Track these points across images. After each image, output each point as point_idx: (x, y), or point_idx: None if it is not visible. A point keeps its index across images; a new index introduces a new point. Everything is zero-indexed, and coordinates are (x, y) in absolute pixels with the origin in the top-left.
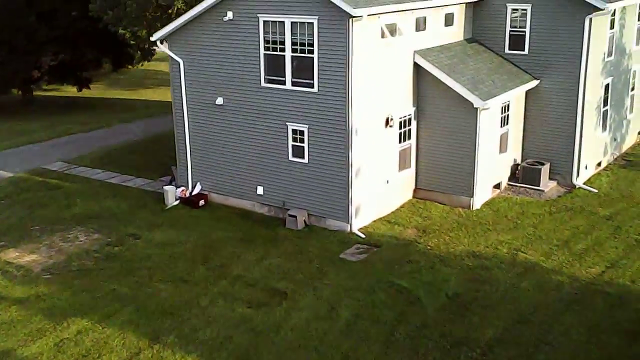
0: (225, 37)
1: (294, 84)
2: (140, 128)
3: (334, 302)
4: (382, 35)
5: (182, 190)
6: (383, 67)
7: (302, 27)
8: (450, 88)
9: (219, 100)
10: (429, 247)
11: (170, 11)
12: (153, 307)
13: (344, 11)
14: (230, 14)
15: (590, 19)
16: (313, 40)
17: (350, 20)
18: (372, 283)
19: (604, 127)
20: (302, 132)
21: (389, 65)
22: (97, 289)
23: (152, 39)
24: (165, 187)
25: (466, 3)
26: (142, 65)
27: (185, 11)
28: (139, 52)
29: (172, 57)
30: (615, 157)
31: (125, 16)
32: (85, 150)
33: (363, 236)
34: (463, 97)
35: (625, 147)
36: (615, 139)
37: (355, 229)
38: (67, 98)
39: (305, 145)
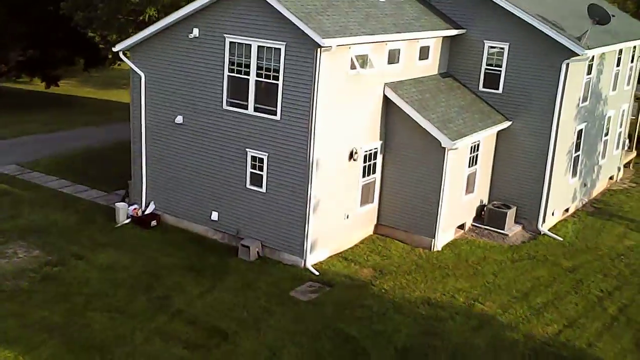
0: (189, 55)
1: (256, 109)
2: (105, 133)
3: (276, 348)
4: (352, 67)
5: (135, 209)
6: (351, 99)
7: (268, 52)
8: (419, 125)
9: (179, 119)
10: (383, 291)
11: (141, 18)
12: (82, 341)
13: (313, 40)
14: (196, 31)
15: (568, 64)
16: (279, 66)
17: (319, 49)
18: (319, 328)
19: (574, 173)
20: (261, 160)
21: (357, 97)
22: (27, 315)
23: (115, 49)
24: (117, 204)
25: (443, 37)
26: (118, 65)
27: (157, 19)
28: (110, 54)
29: (133, 70)
30: (584, 203)
31: (96, 18)
32: (43, 153)
33: (317, 273)
34: (432, 135)
35: (595, 192)
36: (585, 184)
37: (309, 265)
38: (36, 93)
39: (264, 173)
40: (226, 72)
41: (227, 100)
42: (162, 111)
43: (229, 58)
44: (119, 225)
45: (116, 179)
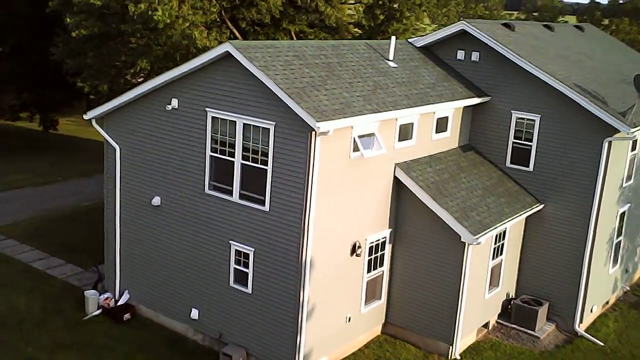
0: (168, 128)
1: (242, 196)
2: (97, 186)
3: None
4: (355, 149)
5: (106, 299)
6: (353, 185)
7: (256, 131)
8: (436, 214)
9: (156, 200)
10: None
11: (132, 70)
12: None
13: (306, 122)
14: (174, 102)
15: (610, 142)
16: (268, 149)
17: (314, 133)
18: None
19: (615, 261)
20: (246, 256)
21: (361, 182)
22: None
23: (85, 117)
24: (87, 292)
25: (464, 107)
26: None
27: (150, 71)
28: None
29: (107, 142)
30: (625, 291)
31: (87, 67)
32: (25, 213)
33: None
34: (450, 227)
35: (637, 276)
36: (626, 270)
37: None
38: (36, 133)
39: (250, 271)
40: (208, 152)
41: (209, 184)
42: (138, 190)
43: (212, 135)
44: (88, 316)
45: (98, 247)
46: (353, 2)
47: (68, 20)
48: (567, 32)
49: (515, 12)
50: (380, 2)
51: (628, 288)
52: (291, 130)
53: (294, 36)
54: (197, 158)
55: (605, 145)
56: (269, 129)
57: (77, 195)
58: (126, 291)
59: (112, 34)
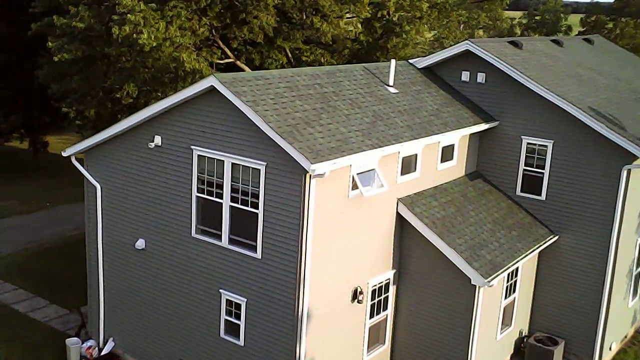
0: (151, 167)
1: (232, 241)
2: None
3: None
4: (354, 187)
5: (89, 348)
6: (353, 226)
7: (245, 172)
8: (443, 254)
9: (140, 243)
10: None
11: (119, 95)
12: None
13: (300, 164)
14: (158, 139)
15: (629, 170)
16: (259, 191)
17: (308, 175)
18: None
19: (635, 293)
20: (238, 306)
21: (361, 222)
22: None
23: (64, 154)
24: (68, 341)
25: (471, 133)
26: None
27: (136, 97)
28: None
29: (87, 180)
30: None
31: (72, 91)
32: (8, 246)
33: None
34: (459, 268)
35: None
36: None
37: None
38: (24, 154)
39: (242, 322)
40: (194, 192)
41: (196, 227)
42: (120, 231)
43: (198, 175)
44: None
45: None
46: (350, 16)
47: (50, 44)
48: (576, 47)
49: (517, 17)
50: (379, 15)
51: None
52: (284, 171)
53: (289, 53)
54: (182, 199)
55: (624, 173)
56: (259, 170)
57: (64, 223)
58: (111, 339)
59: (96, 57)
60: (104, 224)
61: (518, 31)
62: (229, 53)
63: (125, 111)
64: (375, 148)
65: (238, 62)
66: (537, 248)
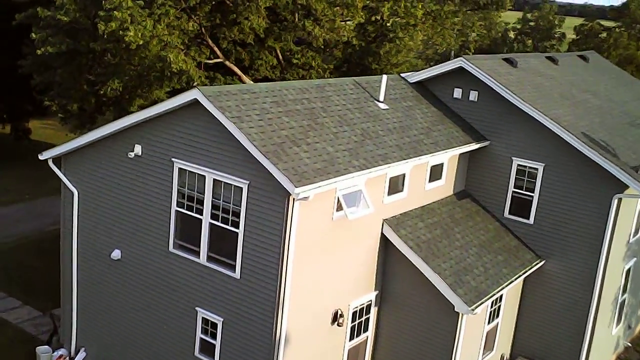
0: (130, 177)
1: (210, 259)
2: None
3: None
4: (339, 208)
5: (60, 357)
6: (336, 248)
7: (227, 188)
8: (427, 278)
9: (116, 254)
10: None
11: (102, 91)
12: None
13: (283, 187)
14: (138, 149)
15: (620, 199)
16: (240, 210)
17: (292, 197)
18: None
19: (619, 321)
20: (214, 325)
21: (345, 244)
22: None
23: (41, 157)
24: (39, 349)
25: (460, 153)
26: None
27: (121, 94)
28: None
29: (64, 184)
30: (626, 346)
31: (56, 84)
32: None
33: None
34: (443, 294)
35: (638, 330)
36: (629, 327)
37: None
38: (4, 139)
39: (218, 342)
40: (174, 206)
41: (174, 242)
42: (96, 239)
43: (178, 189)
44: None
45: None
46: (342, 19)
47: (34, 35)
48: (571, 64)
49: (512, 22)
50: (373, 19)
51: (629, 344)
52: (267, 191)
53: (279, 54)
54: (161, 212)
55: (615, 202)
56: (241, 188)
57: (44, 217)
58: (82, 349)
59: (82, 51)
60: (79, 231)
61: (512, 35)
62: (218, 52)
63: (109, 105)
64: (363, 169)
65: (227, 62)
66: (523, 274)
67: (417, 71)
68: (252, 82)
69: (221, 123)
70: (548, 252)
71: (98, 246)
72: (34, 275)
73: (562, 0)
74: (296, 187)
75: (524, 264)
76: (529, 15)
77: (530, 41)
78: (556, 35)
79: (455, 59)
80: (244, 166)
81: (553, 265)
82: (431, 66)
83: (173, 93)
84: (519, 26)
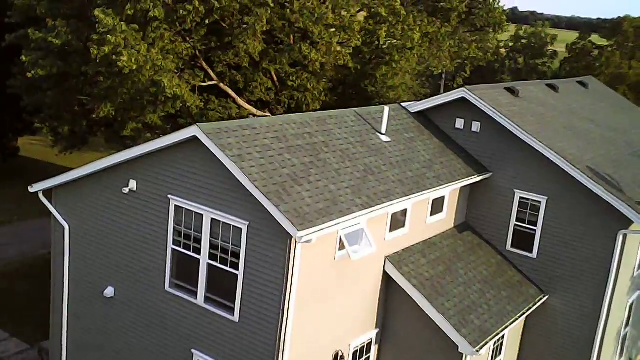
0: (124, 213)
1: (207, 300)
2: None
3: None
4: (341, 248)
5: None
6: (338, 288)
7: (226, 228)
8: (431, 318)
9: (109, 291)
10: None
11: (94, 115)
12: None
13: (285, 229)
14: (133, 184)
15: (625, 235)
16: (239, 251)
17: (294, 239)
18: None
19: (621, 354)
20: None
21: (347, 283)
22: None
23: (31, 190)
24: None
25: (462, 186)
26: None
27: (114, 117)
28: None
29: (55, 218)
30: None
31: (46, 107)
32: None
33: None
34: (446, 334)
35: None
36: (630, 359)
37: None
38: None
39: None
40: (170, 244)
41: (170, 281)
42: (88, 275)
43: (175, 227)
44: None
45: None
46: (340, 41)
47: (24, 58)
48: (571, 92)
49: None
50: (369, 41)
51: None
52: (268, 233)
53: (274, 76)
54: (157, 250)
55: (620, 237)
56: (241, 229)
57: (33, 241)
58: None
59: (73, 74)
60: (70, 266)
61: (503, 52)
62: (212, 75)
63: (101, 126)
64: (365, 208)
65: (221, 85)
66: (527, 310)
67: (415, 97)
68: (246, 104)
69: (220, 161)
70: (551, 286)
71: (90, 283)
72: (22, 304)
73: (550, 12)
74: (299, 230)
75: (527, 299)
76: (521, 32)
77: (522, 59)
78: (548, 53)
79: (458, 90)
80: (244, 206)
81: (557, 300)
82: (425, 85)
83: (167, 117)
84: (511, 44)
